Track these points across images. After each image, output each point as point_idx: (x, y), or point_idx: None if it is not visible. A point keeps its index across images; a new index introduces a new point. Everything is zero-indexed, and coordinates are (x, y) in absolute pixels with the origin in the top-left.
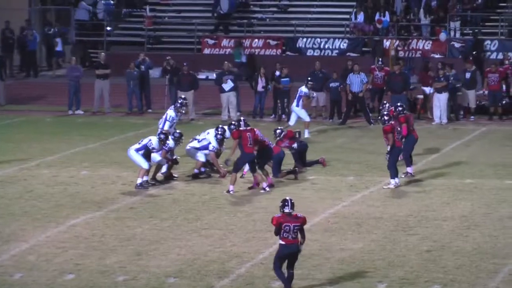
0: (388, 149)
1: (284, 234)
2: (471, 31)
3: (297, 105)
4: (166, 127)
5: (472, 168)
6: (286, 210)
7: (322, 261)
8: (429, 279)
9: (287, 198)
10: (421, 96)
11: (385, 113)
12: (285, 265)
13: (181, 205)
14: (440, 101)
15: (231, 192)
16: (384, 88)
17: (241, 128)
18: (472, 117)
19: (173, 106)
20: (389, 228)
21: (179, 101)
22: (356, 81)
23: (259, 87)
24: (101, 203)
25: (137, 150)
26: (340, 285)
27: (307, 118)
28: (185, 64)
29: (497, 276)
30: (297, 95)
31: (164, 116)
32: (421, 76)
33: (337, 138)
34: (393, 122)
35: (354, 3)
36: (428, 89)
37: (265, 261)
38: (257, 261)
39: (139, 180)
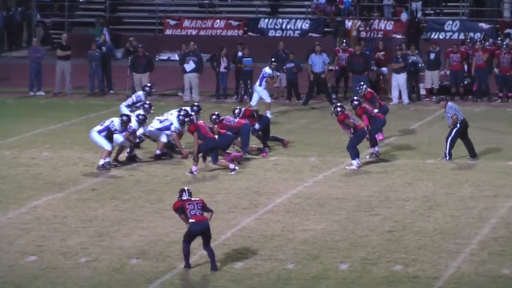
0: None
1: (191, 212)
2: (432, 12)
3: (260, 85)
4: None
5: (434, 149)
6: (184, 197)
7: (285, 241)
8: (391, 259)
9: (185, 188)
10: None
11: (339, 104)
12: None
13: (143, 187)
14: (398, 81)
15: (194, 173)
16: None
17: (195, 121)
18: (434, 97)
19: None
20: (351, 208)
21: (148, 85)
22: (318, 62)
23: (222, 68)
24: (63, 185)
25: (99, 131)
26: (302, 266)
27: (268, 99)
28: (140, 45)
29: (458, 256)
30: (261, 75)
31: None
32: (374, 57)
33: (299, 119)
34: (346, 112)
35: None
36: (384, 70)
37: (227, 241)
38: (219, 241)
39: (101, 162)
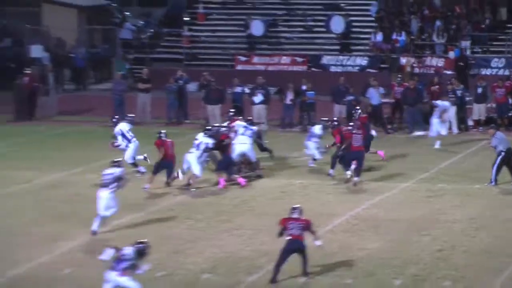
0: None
1: (290, 230)
2: (480, 50)
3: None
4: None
5: (480, 175)
6: (293, 215)
7: (343, 259)
8: (440, 276)
9: (297, 206)
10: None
11: (335, 118)
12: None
13: (214, 208)
14: (448, 113)
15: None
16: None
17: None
18: (481, 127)
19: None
20: (404, 229)
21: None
22: (376, 95)
23: (287, 100)
24: (143, 205)
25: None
26: (359, 281)
27: (317, 156)
28: (212, 80)
29: (502, 273)
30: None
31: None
32: (429, 91)
33: None
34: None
35: (373, 24)
36: (438, 103)
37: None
38: None
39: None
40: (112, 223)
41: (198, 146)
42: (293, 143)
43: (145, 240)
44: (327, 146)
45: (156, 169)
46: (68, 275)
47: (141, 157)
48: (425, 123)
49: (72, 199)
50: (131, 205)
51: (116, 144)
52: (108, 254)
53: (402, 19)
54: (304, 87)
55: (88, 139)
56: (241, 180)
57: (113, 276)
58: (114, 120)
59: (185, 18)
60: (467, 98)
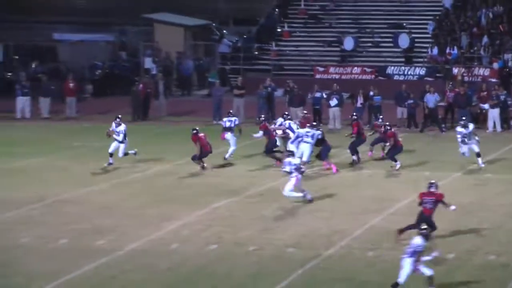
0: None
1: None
2: None
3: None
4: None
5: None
6: (431, 189)
7: (404, 237)
8: (487, 251)
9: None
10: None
11: (354, 114)
12: None
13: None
14: (493, 114)
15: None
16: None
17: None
18: None
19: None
20: (455, 212)
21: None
22: (431, 100)
23: (358, 104)
24: (237, 191)
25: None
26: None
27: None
28: (295, 87)
29: None
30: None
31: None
32: (478, 96)
33: (416, 143)
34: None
35: (430, 40)
36: (485, 106)
37: (360, 236)
38: (355, 235)
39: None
40: (212, 206)
41: (312, 136)
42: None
43: (425, 227)
44: (346, 135)
45: (199, 158)
46: (174, 249)
47: (132, 151)
48: (473, 122)
49: (177, 186)
50: (228, 190)
51: (112, 131)
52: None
53: (454, 36)
54: (372, 93)
55: (189, 137)
56: (334, 167)
57: (409, 262)
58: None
59: (276, 34)
60: (509, 102)
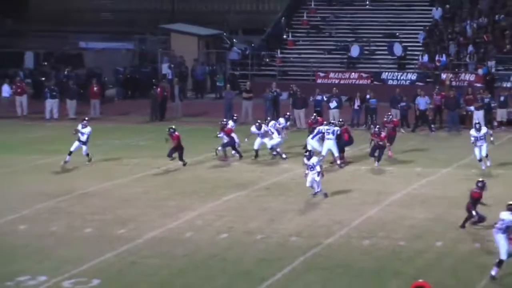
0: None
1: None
2: (502, 67)
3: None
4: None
5: (504, 162)
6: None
7: (397, 226)
8: (474, 239)
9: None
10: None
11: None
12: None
13: (301, 187)
14: (478, 116)
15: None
16: (442, 107)
17: None
18: (503, 127)
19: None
20: (446, 204)
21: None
22: (422, 102)
23: (355, 106)
24: (246, 185)
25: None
26: (410, 243)
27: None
28: (298, 90)
29: None
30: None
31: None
32: (464, 99)
33: (408, 141)
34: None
35: (421, 48)
36: (471, 108)
37: (358, 226)
38: (352, 226)
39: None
40: (224, 198)
41: (333, 133)
42: (359, 139)
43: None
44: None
45: (175, 155)
46: (188, 238)
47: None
48: (460, 123)
49: (193, 180)
50: (238, 184)
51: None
52: None
53: (443, 45)
54: (368, 96)
55: (203, 136)
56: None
57: (503, 238)
58: (223, 122)
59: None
60: (493, 104)
